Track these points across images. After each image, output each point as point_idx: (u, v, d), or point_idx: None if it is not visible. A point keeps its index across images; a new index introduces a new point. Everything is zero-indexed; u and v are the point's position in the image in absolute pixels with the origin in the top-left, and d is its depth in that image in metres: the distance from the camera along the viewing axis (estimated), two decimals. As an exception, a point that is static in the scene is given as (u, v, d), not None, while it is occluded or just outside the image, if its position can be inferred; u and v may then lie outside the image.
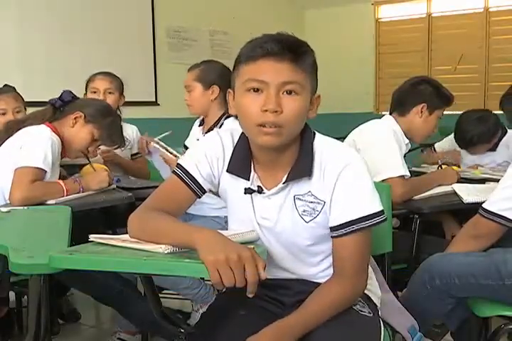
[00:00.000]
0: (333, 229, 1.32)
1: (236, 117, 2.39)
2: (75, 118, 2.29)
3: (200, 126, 2.63)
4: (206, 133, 2.49)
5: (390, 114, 2.46)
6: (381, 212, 1.33)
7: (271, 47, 1.24)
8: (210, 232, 1.19)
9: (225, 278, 1.09)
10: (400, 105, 2.42)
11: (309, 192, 1.34)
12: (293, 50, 1.24)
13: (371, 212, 1.31)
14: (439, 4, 6.31)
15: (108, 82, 2.99)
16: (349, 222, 1.30)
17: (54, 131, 2.23)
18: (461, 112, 3.19)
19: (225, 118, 2.47)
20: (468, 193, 2.29)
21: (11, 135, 2.23)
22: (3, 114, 2.73)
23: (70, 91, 2.39)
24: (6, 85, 2.90)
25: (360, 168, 1.33)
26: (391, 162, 2.24)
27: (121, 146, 2.57)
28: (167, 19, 5.65)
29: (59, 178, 2.26)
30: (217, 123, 2.47)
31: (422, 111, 2.38)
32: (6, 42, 4.54)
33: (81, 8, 4.94)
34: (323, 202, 1.33)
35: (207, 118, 2.57)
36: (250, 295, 1.13)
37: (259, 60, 1.25)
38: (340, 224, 1.31)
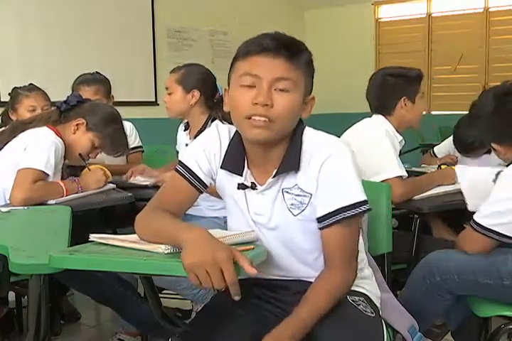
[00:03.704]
0: (319, 220, 1.32)
1: (222, 120, 2.40)
2: (77, 124, 2.28)
3: (185, 130, 2.62)
4: (195, 137, 2.49)
5: (377, 114, 2.45)
6: (365, 202, 1.32)
7: (266, 44, 1.26)
8: (198, 233, 1.20)
9: (202, 281, 1.11)
10: (382, 107, 2.42)
11: (296, 185, 1.34)
12: (288, 48, 1.26)
13: (354, 202, 1.30)
14: (439, 4, 6.31)
15: (93, 92, 2.93)
16: (333, 211, 1.30)
17: (57, 134, 2.22)
18: (460, 112, 3.17)
19: (212, 121, 2.46)
20: (473, 197, 2.24)
21: (16, 135, 2.23)
22: (33, 110, 2.75)
23: (78, 95, 2.38)
24: (31, 84, 2.91)
25: (343, 158, 1.32)
26: (387, 163, 2.24)
27: (123, 154, 2.55)
28: (167, 19, 5.65)
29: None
30: (205, 126, 2.47)
31: (405, 104, 2.39)
32: (7, 42, 4.55)
33: (81, 8, 4.94)
34: (309, 195, 1.33)
35: (191, 123, 2.56)
36: (235, 298, 1.13)
37: (255, 55, 1.27)
38: (324, 215, 1.31)
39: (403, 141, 2.42)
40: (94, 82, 2.99)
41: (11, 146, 2.21)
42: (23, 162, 2.08)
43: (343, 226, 1.31)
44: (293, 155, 1.33)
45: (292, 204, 1.35)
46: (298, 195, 1.34)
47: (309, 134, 1.36)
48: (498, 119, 1.84)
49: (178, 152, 2.75)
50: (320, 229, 1.33)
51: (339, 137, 1.47)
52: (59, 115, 2.31)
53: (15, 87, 2.90)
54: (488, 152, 3.14)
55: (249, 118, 1.26)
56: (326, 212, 1.31)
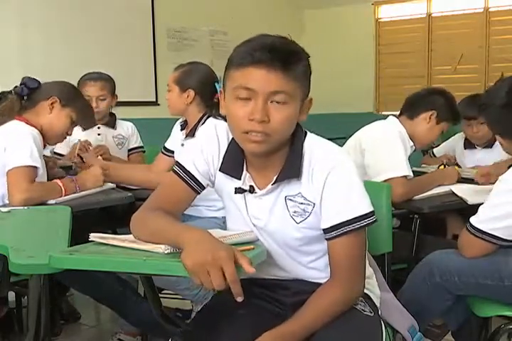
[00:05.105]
0: (325, 231, 1.32)
1: (216, 117, 2.40)
2: (52, 103, 2.25)
3: (182, 130, 2.62)
4: (187, 135, 2.50)
5: (400, 115, 2.47)
6: (371, 213, 1.32)
7: (260, 56, 1.22)
8: (199, 233, 1.19)
9: (203, 281, 1.10)
10: (411, 108, 2.44)
11: (299, 193, 1.34)
12: (283, 60, 1.22)
13: (361, 214, 1.30)
14: (439, 4, 6.30)
15: (99, 88, 2.96)
16: (339, 224, 1.30)
17: (28, 123, 2.18)
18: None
19: (206, 118, 2.46)
20: (469, 194, 2.28)
21: None
22: None
23: (33, 78, 2.31)
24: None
25: (349, 169, 1.32)
26: (395, 162, 2.24)
27: (93, 126, 2.62)
28: (167, 19, 5.64)
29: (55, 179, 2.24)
30: (198, 124, 2.47)
31: (430, 118, 2.40)
32: (7, 42, 4.54)
33: (81, 8, 4.94)
34: (312, 204, 1.33)
35: (188, 121, 2.57)
36: (238, 299, 1.13)
37: (249, 67, 1.23)
38: (330, 227, 1.31)
39: (414, 147, 2.42)
40: (101, 79, 3.02)
41: None
42: (9, 163, 2.05)
43: (350, 237, 1.30)
44: (293, 163, 1.33)
45: (295, 212, 1.34)
46: (301, 203, 1.34)
47: (311, 142, 1.35)
48: (507, 114, 1.80)
49: (165, 147, 2.73)
50: (326, 239, 1.33)
51: (340, 137, 1.47)
52: (20, 102, 2.27)
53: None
54: (489, 146, 3.13)
55: (247, 132, 1.26)
56: (332, 224, 1.30)
